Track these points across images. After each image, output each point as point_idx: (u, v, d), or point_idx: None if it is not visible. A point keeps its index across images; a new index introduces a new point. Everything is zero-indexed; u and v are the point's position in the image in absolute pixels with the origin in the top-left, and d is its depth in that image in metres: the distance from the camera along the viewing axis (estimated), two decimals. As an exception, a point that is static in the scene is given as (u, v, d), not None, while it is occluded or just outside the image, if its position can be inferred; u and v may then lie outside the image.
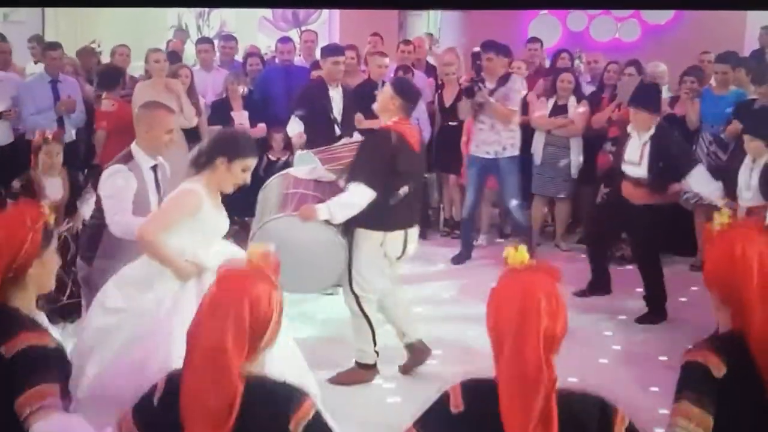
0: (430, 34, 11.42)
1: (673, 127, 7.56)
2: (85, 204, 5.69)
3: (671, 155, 6.39)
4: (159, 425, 2.33)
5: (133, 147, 4.71)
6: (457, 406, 2.27)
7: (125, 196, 4.51)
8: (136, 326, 3.99)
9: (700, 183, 6.34)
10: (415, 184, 5.37)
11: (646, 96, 6.58)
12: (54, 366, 2.54)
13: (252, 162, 4.35)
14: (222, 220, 4.28)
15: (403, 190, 5.24)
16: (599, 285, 7.00)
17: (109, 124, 7.65)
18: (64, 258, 5.56)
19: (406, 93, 5.28)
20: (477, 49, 8.16)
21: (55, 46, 8.24)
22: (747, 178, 6.01)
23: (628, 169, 6.54)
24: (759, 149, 5.93)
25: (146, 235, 4.09)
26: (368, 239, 5.22)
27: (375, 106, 5.46)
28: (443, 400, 2.31)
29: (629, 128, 6.64)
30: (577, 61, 9.70)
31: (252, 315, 2.25)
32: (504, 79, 7.87)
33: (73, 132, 8.03)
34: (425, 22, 12.93)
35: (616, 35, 11.94)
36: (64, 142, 5.93)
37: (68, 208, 5.82)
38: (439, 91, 8.69)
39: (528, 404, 2.15)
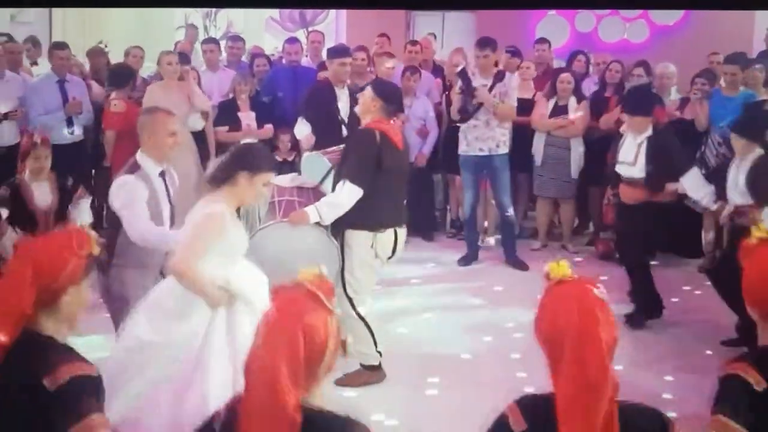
0: (433, 35, 11.37)
1: (684, 129, 7.57)
2: (76, 209, 5.58)
3: (668, 156, 6.34)
4: None
5: (139, 156, 4.69)
6: (519, 425, 2.25)
7: (139, 204, 4.48)
8: (168, 362, 3.93)
9: (693, 185, 6.31)
10: (400, 181, 5.44)
11: (641, 101, 6.58)
12: (99, 395, 2.49)
13: (272, 176, 4.32)
14: (242, 238, 4.21)
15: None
16: (652, 309, 6.62)
17: (118, 125, 7.65)
18: None
19: (387, 94, 5.36)
20: (462, 65, 8.08)
21: (63, 46, 8.23)
22: (735, 176, 5.98)
23: (622, 169, 6.53)
24: (744, 148, 5.90)
25: (181, 267, 3.98)
26: (359, 240, 5.24)
27: (357, 109, 5.53)
28: (502, 422, 2.29)
29: (623, 129, 6.65)
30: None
31: (307, 344, 2.14)
32: (500, 76, 7.87)
33: (81, 131, 8.02)
34: (439, 22, 12.85)
35: (624, 36, 11.91)
36: (51, 145, 5.81)
37: (58, 215, 5.68)
38: (447, 92, 8.67)
39: (592, 413, 2.14)
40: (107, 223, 4.79)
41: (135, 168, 4.63)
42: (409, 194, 8.78)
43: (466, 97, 7.77)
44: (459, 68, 7.98)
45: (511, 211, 8.07)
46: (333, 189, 5.32)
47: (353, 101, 7.42)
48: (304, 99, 7.59)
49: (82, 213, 5.70)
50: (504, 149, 7.90)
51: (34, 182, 5.56)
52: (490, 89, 7.75)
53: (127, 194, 4.51)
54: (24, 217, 5.40)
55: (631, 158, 6.41)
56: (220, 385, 3.83)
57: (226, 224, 4.04)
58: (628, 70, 8.74)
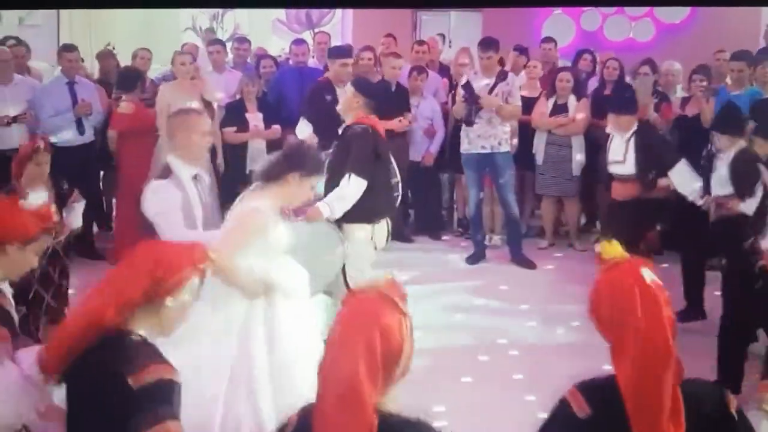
0: (441, 35, 11.41)
1: (687, 126, 7.62)
2: (71, 213, 5.53)
3: (654, 150, 6.55)
4: None
5: (170, 159, 4.54)
6: (582, 410, 2.24)
7: (174, 210, 4.35)
8: (200, 347, 3.88)
9: (681, 180, 6.44)
10: (389, 172, 5.61)
11: (625, 100, 6.80)
12: (178, 403, 2.49)
13: (321, 178, 4.37)
14: (281, 238, 4.18)
15: (395, 180, 5.59)
16: None
17: (124, 125, 7.71)
18: (56, 269, 5.47)
19: (368, 91, 5.58)
20: (467, 78, 8.06)
21: (72, 48, 8.28)
22: (718, 169, 6.17)
23: (613, 168, 6.73)
24: (727, 143, 6.11)
25: (221, 261, 3.87)
26: (359, 234, 5.36)
27: (339, 107, 5.71)
28: (565, 407, 2.28)
29: (608, 129, 6.83)
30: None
31: (383, 345, 2.12)
32: (502, 76, 7.90)
33: (92, 133, 8.06)
34: (446, 22, 12.87)
35: (630, 35, 11.87)
36: (56, 148, 5.67)
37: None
38: (453, 91, 8.69)
39: (661, 390, 2.16)
40: (143, 229, 4.58)
41: (167, 173, 4.49)
42: (416, 193, 8.91)
43: (470, 105, 7.79)
44: (463, 80, 7.97)
45: (515, 209, 8.09)
46: (325, 186, 5.38)
47: None
48: (305, 99, 7.65)
49: (76, 217, 5.64)
50: (506, 147, 7.92)
51: (30, 188, 5.34)
52: (493, 88, 7.79)
53: (160, 200, 4.37)
54: None
55: (621, 156, 6.61)
56: (266, 376, 3.89)
57: (269, 222, 4.05)
58: (634, 68, 8.75)
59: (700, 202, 6.26)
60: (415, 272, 7.68)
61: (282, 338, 4.01)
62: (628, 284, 2.25)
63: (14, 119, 7.63)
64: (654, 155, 6.53)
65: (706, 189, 6.25)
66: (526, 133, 8.46)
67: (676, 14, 11.67)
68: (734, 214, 5.77)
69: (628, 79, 8.84)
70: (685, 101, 8.26)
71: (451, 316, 6.76)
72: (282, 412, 3.73)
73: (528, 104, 8.25)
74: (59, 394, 2.72)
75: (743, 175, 5.82)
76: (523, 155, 8.37)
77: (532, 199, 9.20)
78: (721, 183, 6.11)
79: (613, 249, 2.34)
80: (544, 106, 8.41)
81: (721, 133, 6.15)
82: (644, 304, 2.21)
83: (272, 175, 4.15)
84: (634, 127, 6.61)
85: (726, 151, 6.11)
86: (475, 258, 8.18)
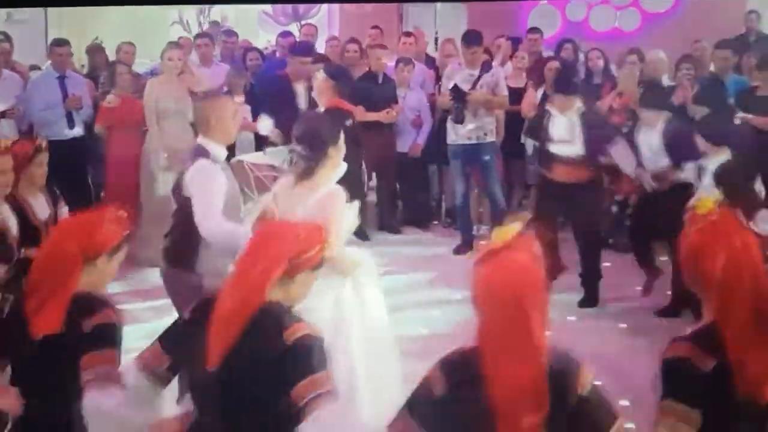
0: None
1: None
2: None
3: (601, 128, 6.65)
4: (445, 419, 2.32)
5: (204, 143, 4.36)
6: (706, 363, 2.33)
7: (217, 194, 4.17)
8: None
9: (620, 156, 6.52)
10: (359, 153, 5.94)
11: (568, 80, 6.85)
12: (323, 356, 2.61)
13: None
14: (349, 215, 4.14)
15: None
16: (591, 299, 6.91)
17: (110, 120, 7.75)
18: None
19: (337, 75, 5.90)
20: (452, 83, 8.07)
21: (62, 42, 8.28)
22: (646, 141, 6.42)
23: (558, 148, 6.64)
24: (649, 118, 6.43)
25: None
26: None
27: (313, 93, 6.02)
28: (685, 365, 2.35)
29: (549, 108, 6.80)
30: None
31: (540, 295, 2.32)
32: (486, 67, 7.94)
33: (82, 128, 8.07)
34: (432, 14, 12.89)
35: (615, 24, 11.92)
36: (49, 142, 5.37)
37: (49, 226, 4.91)
38: (440, 82, 8.73)
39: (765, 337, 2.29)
40: (177, 219, 4.41)
41: (204, 153, 4.29)
42: (404, 184, 8.95)
43: (458, 105, 7.83)
44: (450, 84, 7.97)
45: (501, 199, 8.14)
46: None
47: (311, 95, 7.50)
48: (263, 94, 7.71)
49: None
50: (491, 137, 7.98)
51: (29, 190, 4.95)
52: (477, 80, 7.83)
53: (205, 180, 4.18)
54: (28, 234, 4.76)
55: (567, 136, 6.56)
56: (362, 350, 3.92)
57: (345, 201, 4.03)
58: (621, 57, 8.79)
59: (633, 175, 6.47)
60: (403, 263, 7.72)
61: (371, 308, 4.06)
62: (727, 238, 2.36)
63: (2, 114, 7.65)
64: (601, 133, 6.57)
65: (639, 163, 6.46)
66: (513, 122, 8.49)
67: (662, 3, 11.71)
68: (672, 184, 6.09)
69: (614, 68, 8.92)
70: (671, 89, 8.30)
71: (443, 305, 6.81)
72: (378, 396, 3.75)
73: (514, 95, 8.28)
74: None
75: (680, 142, 6.13)
76: (511, 145, 8.40)
77: (521, 189, 9.24)
78: (653, 154, 6.33)
79: (708, 203, 2.45)
80: (534, 95, 8.44)
81: (647, 108, 6.42)
82: (746, 256, 2.34)
83: (313, 165, 4.06)
84: (580, 108, 6.60)
85: (648, 125, 6.39)
86: (463, 248, 8.22)
